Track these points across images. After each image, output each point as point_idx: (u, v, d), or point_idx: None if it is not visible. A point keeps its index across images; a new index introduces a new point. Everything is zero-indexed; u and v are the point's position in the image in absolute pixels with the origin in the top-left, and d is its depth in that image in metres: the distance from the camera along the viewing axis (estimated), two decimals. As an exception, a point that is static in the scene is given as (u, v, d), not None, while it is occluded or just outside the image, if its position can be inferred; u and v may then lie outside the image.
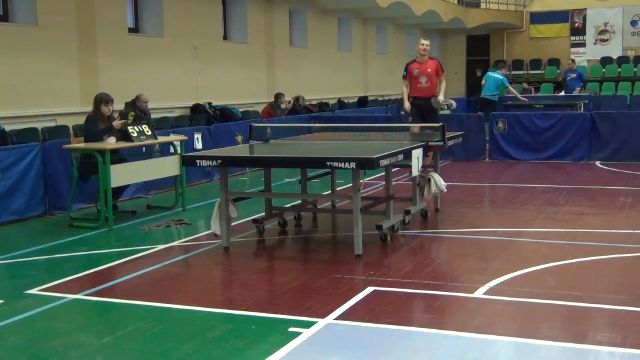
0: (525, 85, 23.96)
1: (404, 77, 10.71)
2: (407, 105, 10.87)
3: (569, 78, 19.53)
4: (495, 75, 16.52)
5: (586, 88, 23.08)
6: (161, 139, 9.29)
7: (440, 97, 10.82)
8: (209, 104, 14.34)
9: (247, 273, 6.17)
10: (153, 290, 5.71)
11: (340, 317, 4.86)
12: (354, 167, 6.16)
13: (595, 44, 26.41)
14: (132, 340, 4.57)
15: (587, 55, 26.47)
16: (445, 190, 7.93)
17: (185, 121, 13.48)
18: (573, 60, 20.92)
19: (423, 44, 10.64)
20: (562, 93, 19.86)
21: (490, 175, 11.90)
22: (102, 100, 8.56)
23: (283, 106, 15.67)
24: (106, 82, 11.84)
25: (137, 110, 11.27)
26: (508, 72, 22.79)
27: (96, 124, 8.52)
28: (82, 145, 8.47)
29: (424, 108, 10.57)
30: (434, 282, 5.67)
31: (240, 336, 4.58)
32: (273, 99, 15.59)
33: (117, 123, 8.53)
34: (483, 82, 16.71)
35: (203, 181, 11.40)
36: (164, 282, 5.94)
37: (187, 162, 7.26)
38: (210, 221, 7.03)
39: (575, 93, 19.00)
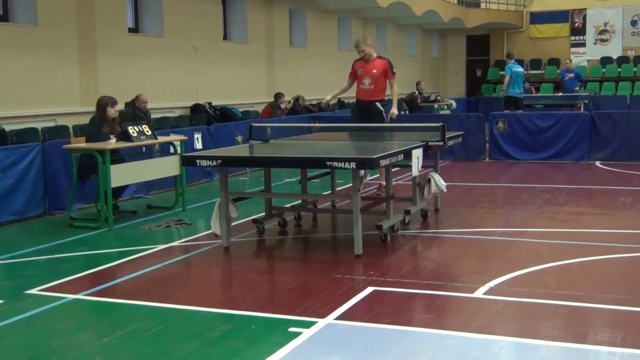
0: (526, 85, 23.99)
1: (349, 74, 9.55)
2: (327, 98, 9.64)
3: (566, 78, 19.51)
4: (519, 69, 15.95)
5: (586, 87, 23.11)
6: (161, 139, 9.29)
7: (394, 111, 9.48)
8: (209, 104, 14.34)
9: (247, 273, 6.17)
10: (153, 290, 5.71)
11: (340, 317, 4.86)
12: (354, 167, 6.16)
13: (595, 44, 26.43)
14: (132, 340, 4.57)
15: (587, 55, 26.48)
16: (445, 190, 7.92)
17: (185, 121, 13.48)
18: (570, 60, 20.91)
19: (358, 47, 9.29)
20: (560, 94, 19.83)
21: (490, 175, 11.90)
22: (108, 102, 8.60)
23: (283, 106, 15.68)
24: (106, 82, 11.84)
25: (136, 110, 11.28)
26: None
27: (100, 126, 8.55)
28: (82, 145, 8.47)
29: (367, 114, 9.29)
30: (434, 282, 5.67)
31: (240, 336, 4.57)
32: (273, 99, 15.60)
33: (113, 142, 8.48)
34: (507, 78, 15.83)
35: (203, 181, 11.40)
36: (164, 282, 5.94)
37: (187, 162, 7.26)
38: (210, 221, 7.03)
39: (575, 93, 18.99)
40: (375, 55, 9.37)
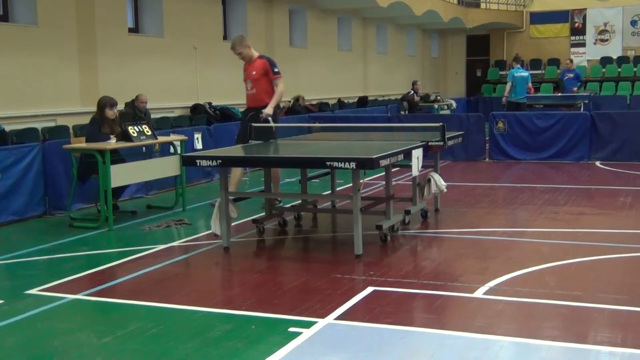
0: (529, 85, 23.96)
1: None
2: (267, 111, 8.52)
3: (566, 78, 19.54)
4: (522, 73, 15.83)
5: (585, 88, 23.11)
6: (161, 139, 9.29)
7: (267, 110, 8.41)
8: (209, 104, 14.33)
9: (247, 273, 6.17)
10: (153, 290, 5.71)
11: (340, 317, 4.86)
12: (354, 167, 6.16)
13: (595, 44, 26.42)
14: (132, 340, 4.57)
15: (587, 55, 26.47)
16: (445, 190, 7.92)
17: (185, 121, 13.48)
18: (571, 60, 20.92)
19: (234, 50, 8.56)
20: (559, 94, 19.86)
21: (490, 175, 11.90)
22: (106, 104, 8.60)
23: (282, 105, 15.69)
24: (106, 82, 11.84)
25: (136, 110, 11.28)
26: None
27: (100, 127, 8.56)
28: (82, 145, 8.47)
29: (252, 122, 8.40)
30: (434, 282, 5.67)
31: (240, 336, 4.57)
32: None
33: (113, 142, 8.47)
34: (510, 83, 15.72)
35: (203, 181, 11.40)
36: (164, 282, 5.94)
37: (187, 162, 7.26)
38: (210, 221, 7.03)
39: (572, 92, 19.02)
40: (256, 55, 8.66)
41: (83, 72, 11.85)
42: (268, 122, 8.41)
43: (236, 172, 8.64)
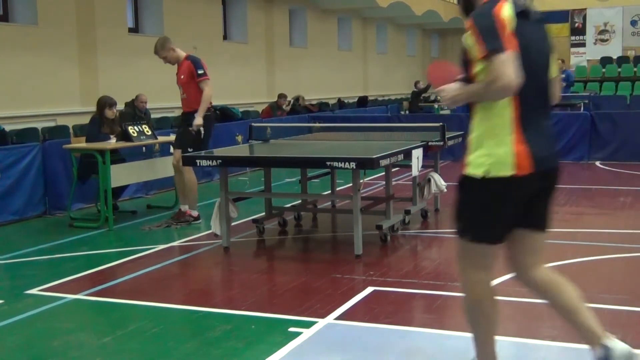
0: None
1: None
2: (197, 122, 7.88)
3: None
4: None
5: (586, 88, 23.12)
6: (161, 139, 9.29)
7: (197, 121, 7.73)
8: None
9: (247, 273, 6.17)
10: (153, 290, 5.71)
11: (340, 317, 4.86)
12: (354, 167, 6.16)
13: (595, 44, 26.45)
14: (132, 340, 4.57)
15: (587, 55, 26.50)
16: (445, 190, 7.91)
17: (185, 121, 13.46)
18: (562, 61, 20.96)
19: (157, 54, 8.06)
20: None
21: (490, 175, 11.87)
22: (105, 104, 8.61)
23: (284, 107, 15.70)
24: (106, 82, 11.84)
25: (136, 110, 11.29)
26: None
27: (100, 126, 8.56)
28: (82, 145, 8.48)
29: (181, 126, 8.23)
30: (434, 282, 5.67)
31: (240, 336, 4.57)
32: (275, 99, 15.64)
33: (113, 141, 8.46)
34: None
35: (203, 181, 11.38)
36: (164, 282, 5.94)
37: (187, 162, 7.26)
38: (210, 221, 7.03)
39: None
40: (183, 57, 8.08)
41: (83, 72, 11.86)
42: (200, 132, 7.82)
43: (188, 177, 8.06)
